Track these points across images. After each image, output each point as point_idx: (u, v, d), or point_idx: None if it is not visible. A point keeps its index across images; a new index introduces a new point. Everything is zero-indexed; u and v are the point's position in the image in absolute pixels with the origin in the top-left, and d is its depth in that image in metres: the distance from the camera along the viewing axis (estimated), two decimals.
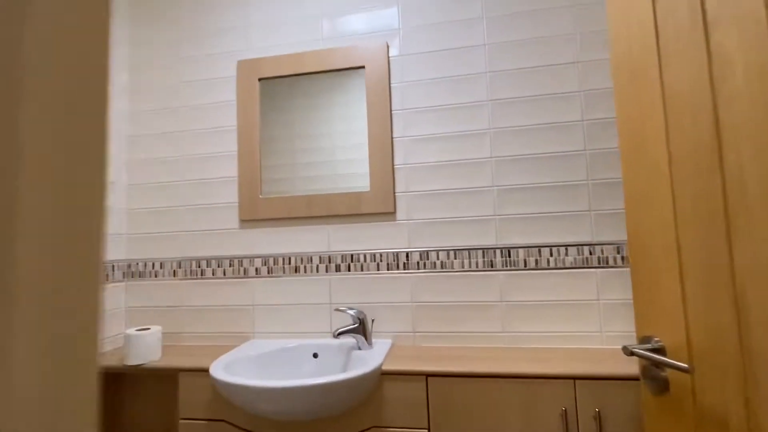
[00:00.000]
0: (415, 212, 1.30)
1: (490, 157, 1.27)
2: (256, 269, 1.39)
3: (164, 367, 1.19)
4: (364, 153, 1.35)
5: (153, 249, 1.47)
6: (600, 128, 1.22)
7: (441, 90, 1.32)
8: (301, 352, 1.25)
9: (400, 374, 1.06)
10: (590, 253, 1.20)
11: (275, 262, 1.38)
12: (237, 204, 1.42)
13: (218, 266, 1.42)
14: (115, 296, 1.43)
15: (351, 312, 1.21)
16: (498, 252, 1.25)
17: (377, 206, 1.31)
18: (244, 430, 1.12)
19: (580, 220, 1.21)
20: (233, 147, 1.44)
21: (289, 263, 1.37)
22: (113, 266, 1.43)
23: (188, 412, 1.17)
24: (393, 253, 1.31)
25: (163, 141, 1.49)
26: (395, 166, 1.33)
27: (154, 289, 1.45)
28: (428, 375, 1.05)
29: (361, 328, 1.20)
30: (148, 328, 1.27)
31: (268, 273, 1.38)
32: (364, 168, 1.35)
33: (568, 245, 1.21)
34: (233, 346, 1.35)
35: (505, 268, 1.24)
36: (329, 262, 1.35)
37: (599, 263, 1.19)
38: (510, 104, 1.27)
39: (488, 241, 1.25)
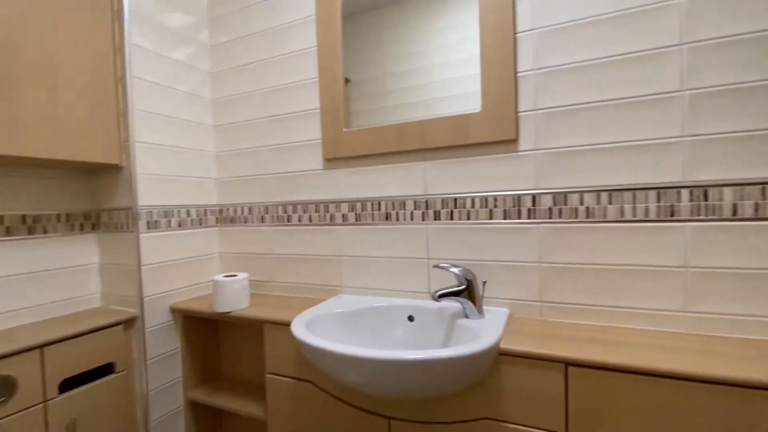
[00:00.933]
0: (547, 138, 0.93)
1: (679, 45, 0.81)
2: (343, 215, 1.19)
3: (249, 317, 1.10)
4: (471, 69, 1.00)
5: (241, 194, 1.38)
6: None
7: None
8: (394, 313, 1.04)
9: (527, 357, 0.76)
10: None
11: (363, 207, 1.16)
12: (320, 141, 1.22)
13: (304, 212, 1.26)
14: (208, 241, 1.39)
15: (455, 271, 0.93)
16: (685, 193, 0.81)
17: (491, 132, 0.97)
18: (332, 396, 0.98)
19: None
20: (314, 74, 1.22)
21: (379, 209, 1.14)
22: (206, 210, 1.39)
23: (274, 367, 1.07)
24: (513, 196, 0.97)
25: (242, 75, 1.35)
26: (518, 74, 0.95)
27: (244, 234, 1.38)
28: (569, 363, 0.73)
29: (468, 292, 0.93)
30: (236, 275, 1.19)
31: (356, 220, 1.17)
32: (472, 85, 1.00)
33: None
34: (320, 300, 1.21)
35: (695, 216, 0.81)
36: (426, 207, 1.07)
37: None
38: None
39: (669, 177, 0.82)
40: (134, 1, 1.16)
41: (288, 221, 1.29)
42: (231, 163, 1.40)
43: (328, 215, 1.22)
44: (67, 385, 1.01)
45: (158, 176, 1.22)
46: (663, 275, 0.84)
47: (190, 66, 1.34)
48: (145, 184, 1.18)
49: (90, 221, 1.24)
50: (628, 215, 0.86)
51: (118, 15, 1.15)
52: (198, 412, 1.32)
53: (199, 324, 1.33)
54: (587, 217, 0.89)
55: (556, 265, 0.93)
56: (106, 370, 1.11)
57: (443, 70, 1.04)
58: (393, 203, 1.12)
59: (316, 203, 1.24)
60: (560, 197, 0.92)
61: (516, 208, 0.96)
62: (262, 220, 1.34)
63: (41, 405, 0.95)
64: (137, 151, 1.16)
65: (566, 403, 0.74)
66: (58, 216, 1.16)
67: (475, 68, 0.99)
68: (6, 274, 1.05)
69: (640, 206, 0.85)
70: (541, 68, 0.93)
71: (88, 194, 1.24)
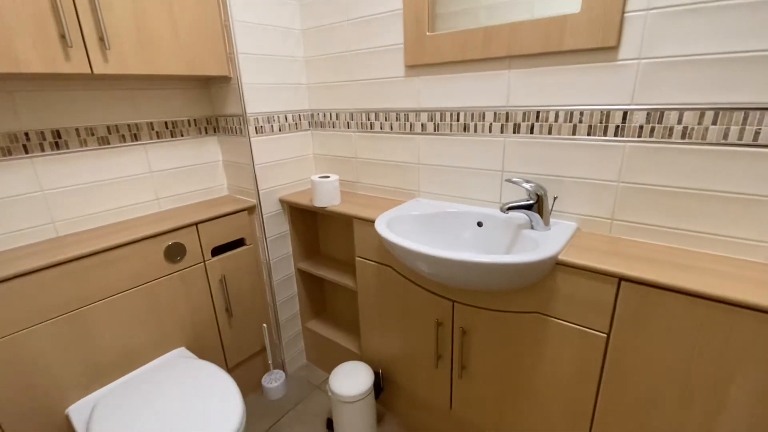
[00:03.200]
0: (655, 45, 0.82)
1: None
2: (422, 125, 1.25)
3: (341, 213, 1.32)
4: None
5: (329, 99, 1.49)
6: None
7: None
8: (465, 218, 1.15)
9: (583, 269, 0.84)
10: None
11: (442, 117, 1.20)
12: (402, 46, 1.21)
13: (385, 120, 1.34)
14: (304, 143, 1.58)
15: (527, 186, 0.98)
16: None
17: (589, 37, 0.88)
18: (407, 279, 1.19)
19: None
20: None
21: (458, 120, 1.16)
22: (300, 115, 1.54)
23: (362, 251, 1.31)
24: (602, 110, 0.92)
25: None
26: None
27: (333, 138, 1.53)
28: (623, 279, 0.80)
29: (537, 206, 0.98)
30: (329, 176, 1.38)
31: (435, 130, 1.23)
32: None
33: None
34: (400, 201, 1.37)
35: None
36: (506, 120, 1.07)
37: None
38: None
39: None
40: None
41: (371, 128, 1.39)
42: (319, 68, 1.47)
43: (408, 124, 1.28)
44: (216, 251, 1.38)
45: (259, 85, 1.36)
46: (754, 204, 0.79)
47: None
48: (250, 93, 1.34)
49: (212, 125, 1.49)
50: (732, 138, 0.78)
51: None
52: (305, 277, 1.69)
53: (302, 213, 1.62)
54: (683, 137, 0.83)
55: (635, 185, 0.92)
56: (240, 243, 1.46)
57: None
58: (472, 114, 1.13)
59: (397, 111, 1.30)
60: (655, 114, 0.85)
61: (603, 124, 0.92)
62: (348, 126, 1.46)
63: (201, 264, 1.34)
64: (241, 62, 1.29)
65: (613, 311, 0.83)
66: (189, 121, 1.42)
67: None
68: (161, 168, 1.37)
69: (751, 128, 0.76)
70: None
71: (207, 102, 1.46)
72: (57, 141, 1.13)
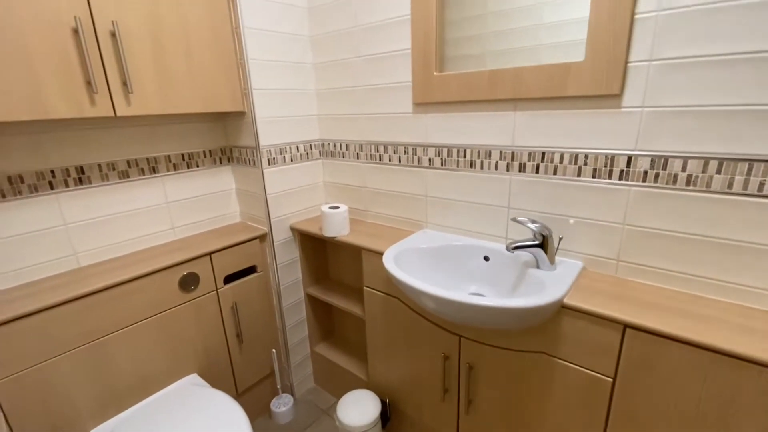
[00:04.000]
0: (659, 94, 0.84)
1: None
2: (430, 159, 1.28)
3: (350, 243, 1.34)
4: (579, 10, 0.89)
5: (339, 130, 1.53)
6: None
7: None
8: (472, 251, 1.17)
9: (588, 314, 0.85)
10: None
11: (449, 153, 1.22)
12: (410, 84, 1.25)
13: (394, 152, 1.37)
14: (314, 172, 1.62)
15: (532, 226, 0.99)
16: None
17: (593, 85, 0.90)
18: (415, 311, 1.21)
19: None
20: (407, 11, 1.19)
21: (464, 156, 1.19)
22: (311, 145, 1.58)
23: (370, 282, 1.33)
24: (606, 155, 0.93)
25: (339, 10, 1.37)
26: (636, 16, 0.83)
27: (343, 168, 1.57)
28: (628, 326, 0.81)
29: (542, 246, 1.00)
30: (338, 207, 1.42)
31: (442, 165, 1.25)
32: (578, 32, 0.90)
33: None
34: (408, 231, 1.39)
35: None
36: (512, 159, 1.09)
37: None
38: None
39: None
40: None
41: (380, 160, 1.42)
42: (330, 101, 1.52)
43: (416, 157, 1.31)
44: (228, 278, 1.42)
45: (272, 118, 1.41)
46: (765, 254, 0.79)
47: (289, 5, 1.39)
48: (264, 126, 1.38)
49: (226, 156, 1.54)
50: (737, 188, 0.79)
51: None
52: (314, 302, 1.72)
53: (312, 240, 1.65)
54: (687, 184, 0.84)
55: (641, 229, 0.93)
56: (251, 270, 1.50)
57: (550, 10, 0.94)
58: (479, 152, 1.15)
59: (405, 145, 1.33)
60: (660, 161, 0.86)
61: (607, 167, 0.94)
62: (357, 156, 1.49)
63: (214, 292, 1.38)
64: (255, 98, 1.34)
65: (619, 356, 0.84)
66: (204, 153, 1.47)
67: (586, 9, 0.88)
68: (177, 198, 1.42)
69: (755, 179, 0.77)
70: (665, 8, 0.79)
71: (222, 134, 1.51)
72: (80, 177, 1.18)
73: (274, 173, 1.45)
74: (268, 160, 1.42)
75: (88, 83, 1.00)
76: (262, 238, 1.51)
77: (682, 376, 0.76)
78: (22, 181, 1.08)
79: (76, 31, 0.96)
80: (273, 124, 1.42)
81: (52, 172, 1.13)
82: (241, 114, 1.40)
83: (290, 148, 1.49)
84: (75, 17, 0.95)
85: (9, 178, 1.06)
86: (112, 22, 1.02)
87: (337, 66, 1.44)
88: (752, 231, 0.79)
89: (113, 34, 1.02)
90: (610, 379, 0.85)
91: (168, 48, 1.15)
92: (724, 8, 0.74)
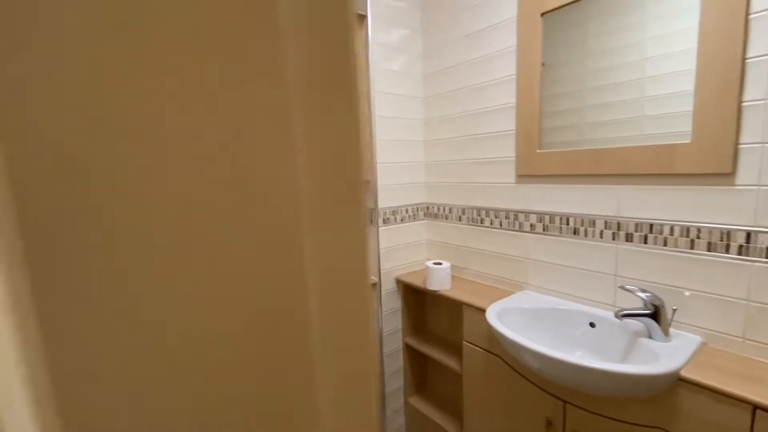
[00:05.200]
0: None
1: None
2: (531, 225, 1.38)
3: (452, 298, 1.47)
4: (684, 84, 0.98)
5: (444, 196, 1.73)
6: None
7: None
8: (577, 317, 1.20)
9: (710, 390, 0.83)
10: None
11: (551, 220, 1.32)
12: (514, 159, 1.41)
13: (495, 217, 1.51)
14: (419, 231, 1.82)
15: (642, 295, 1.02)
16: None
17: (701, 164, 0.96)
18: (517, 372, 1.25)
19: None
20: (512, 99, 1.39)
21: (567, 224, 1.28)
22: (417, 207, 1.81)
23: (470, 337, 1.42)
24: (722, 230, 0.95)
25: (448, 100, 1.64)
26: (743, 104, 0.90)
27: (445, 229, 1.74)
28: (758, 407, 0.77)
29: (654, 317, 1.01)
30: (441, 263, 1.57)
31: (543, 230, 1.35)
32: (683, 106, 0.99)
33: None
34: (507, 291, 1.47)
35: None
36: (617, 229, 1.15)
37: None
38: None
39: None
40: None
41: (481, 223, 1.57)
42: (437, 171, 1.75)
43: (517, 222, 1.43)
44: None
45: (389, 185, 1.68)
46: None
47: (411, 97, 1.71)
48: (382, 192, 1.65)
49: None
50: None
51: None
52: (412, 353, 1.83)
53: (414, 292, 1.81)
54: None
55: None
56: None
57: (652, 84, 1.04)
58: (582, 220, 1.23)
59: (506, 211, 1.46)
60: None
61: (724, 242, 0.95)
62: (459, 219, 1.66)
63: None
64: (378, 169, 1.63)
65: None
66: None
67: (690, 84, 0.97)
68: None
69: None
70: None
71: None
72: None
73: (387, 231, 1.68)
74: (383, 219, 1.67)
75: None
76: (372, 286, 1.72)
77: None
78: None
79: None
80: (389, 191, 1.68)
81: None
82: (366, 182, 1.70)
83: (401, 209, 1.73)
84: None
85: None
86: None
87: (444, 143, 1.68)
88: None
89: None
90: None
91: None
92: None
